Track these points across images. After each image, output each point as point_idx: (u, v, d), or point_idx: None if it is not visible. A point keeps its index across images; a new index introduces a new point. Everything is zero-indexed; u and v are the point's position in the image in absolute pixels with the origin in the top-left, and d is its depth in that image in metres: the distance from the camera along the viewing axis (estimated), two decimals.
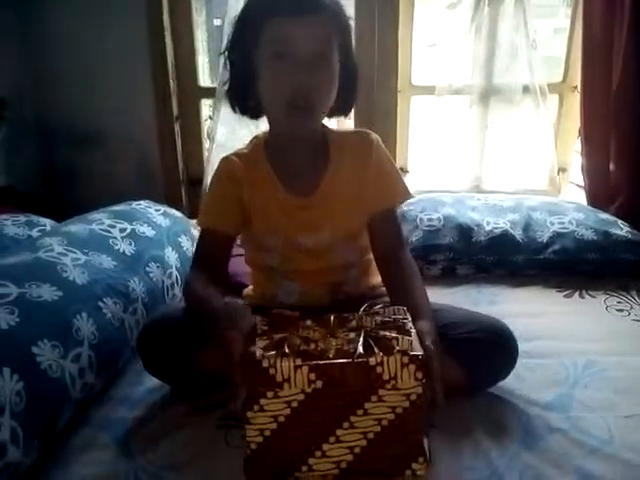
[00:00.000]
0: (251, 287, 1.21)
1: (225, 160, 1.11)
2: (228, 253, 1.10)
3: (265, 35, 0.96)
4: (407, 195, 1.12)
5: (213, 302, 0.90)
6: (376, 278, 1.17)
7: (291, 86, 0.95)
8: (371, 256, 1.14)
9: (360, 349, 0.78)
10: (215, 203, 1.10)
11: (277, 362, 0.76)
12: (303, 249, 1.08)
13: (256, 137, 1.13)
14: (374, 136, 1.11)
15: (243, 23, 1.00)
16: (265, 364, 0.76)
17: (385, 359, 0.77)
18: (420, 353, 0.77)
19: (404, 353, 0.77)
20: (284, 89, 0.96)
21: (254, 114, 1.07)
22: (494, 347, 1.01)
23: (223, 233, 1.07)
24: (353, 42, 1.04)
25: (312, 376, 0.77)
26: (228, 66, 1.03)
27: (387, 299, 1.08)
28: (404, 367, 0.77)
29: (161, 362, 1.03)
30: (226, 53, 1.03)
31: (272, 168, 1.08)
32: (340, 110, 1.06)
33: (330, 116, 1.06)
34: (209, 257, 1.07)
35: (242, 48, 0.99)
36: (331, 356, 0.78)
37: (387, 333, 0.81)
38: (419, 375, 0.77)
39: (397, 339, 0.79)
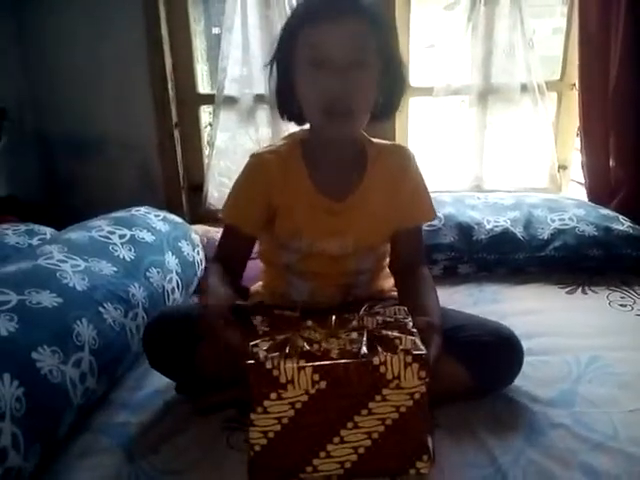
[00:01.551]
0: (260, 283, 1.20)
1: (256, 157, 1.09)
2: (248, 252, 1.10)
3: (301, 41, 0.96)
4: (434, 216, 1.15)
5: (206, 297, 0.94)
6: (387, 283, 1.18)
7: (326, 93, 0.94)
8: (386, 262, 1.15)
9: (364, 349, 0.78)
10: (241, 201, 1.09)
11: (281, 364, 0.76)
12: (325, 253, 1.07)
13: (292, 135, 1.12)
14: (412, 153, 1.12)
15: (284, 30, 1.00)
16: (269, 366, 0.76)
17: (389, 358, 0.77)
18: (423, 352, 0.77)
19: (407, 352, 0.77)
20: (319, 96, 0.95)
21: (299, 120, 1.06)
22: (500, 350, 1.00)
23: (245, 233, 1.07)
24: (397, 41, 1.02)
25: (316, 377, 0.77)
26: (274, 74, 1.03)
27: (395, 301, 1.09)
28: (408, 366, 0.77)
29: (166, 355, 1.03)
30: (272, 61, 1.02)
31: (306, 168, 1.07)
32: (382, 114, 1.04)
33: (372, 120, 1.03)
34: (229, 253, 1.09)
35: (283, 55, 1.00)
36: (334, 356, 0.78)
37: (389, 333, 0.81)
38: (422, 374, 0.77)
39: (400, 339, 0.80)
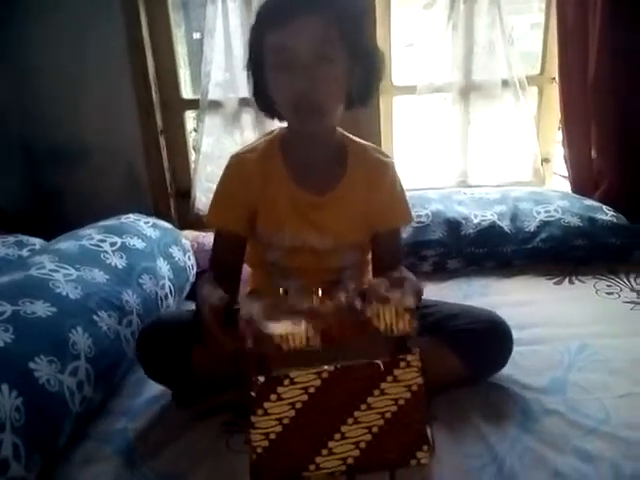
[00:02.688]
0: (248, 288, 1.22)
1: (234, 158, 1.12)
2: (240, 255, 1.12)
3: (265, 47, 0.98)
4: (411, 220, 1.20)
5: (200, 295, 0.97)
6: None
7: (293, 93, 0.96)
8: (368, 257, 1.17)
9: (357, 303, 0.79)
10: (222, 202, 1.11)
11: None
12: (306, 247, 1.09)
13: (271, 132, 1.14)
14: (392, 160, 1.14)
15: (251, 36, 1.02)
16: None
17: (381, 309, 0.78)
18: (412, 306, 0.79)
19: (398, 303, 0.79)
20: (287, 96, 0.98)
21: (280, 117, 1.08)
22: (491, 337, 1.04)
23: (231, 232, 1.09)
24: (368, 27, 1.03)
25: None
26: (248, 71, 1.05)
27: None
28: (399, 316, 0.79)
29: (160, 364, 1.04)
30: (246, 66, 1.04)
31: (285, 164, 1.09)
32: (357, 102, 1.05)
33: (349, 107, 1.04)
34: (221, 258, 1.11)
35: (253, 60, 1.02)
36: (329, 310, 0.79)
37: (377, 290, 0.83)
38: (414, 323, 0.79)
39: (388, 294, 0.81)
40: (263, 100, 1.06)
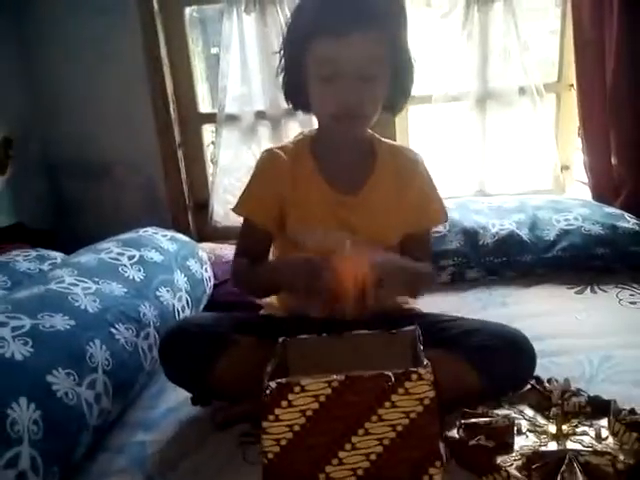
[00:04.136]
0: (274, 297, 1.21)
1: (267, 152, 1.13)
2: (266, 249, 1.13)
3: (311, 54, 0.98)
4: (445, 218, 1.17)
5: (285, 263, 1.01)
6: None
7: (337, 104, 0.98)
8: None
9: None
10: (253, 194, 1.12)
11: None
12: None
13: (302, 133, 1.16)
14: (421, 157, 1.14)
15: (292, 38, 1.02)
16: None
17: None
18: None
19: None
20: (331, 106, 0.99)
21: (305, 110, 1.09)
22: (512, 354, 1.00)
23: (259, 224, 1.10)
24: (407, 37, 1.03)
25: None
26: (282, 65, 1.05)
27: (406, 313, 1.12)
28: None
29: (183, 367, 1.04)
30: (280, 53, 1.05)
31: (317, 164, 1.09)
32: (391, 108, 1.07)
33: (382, 112, 1.06)
34: (247, 251, 1.11)
35: (292, 56, 1.02)
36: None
37: None
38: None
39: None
40: (293, 94, 1.06)
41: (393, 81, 1.01)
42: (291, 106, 1.10)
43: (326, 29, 0.94)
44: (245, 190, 1.13)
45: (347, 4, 0.94)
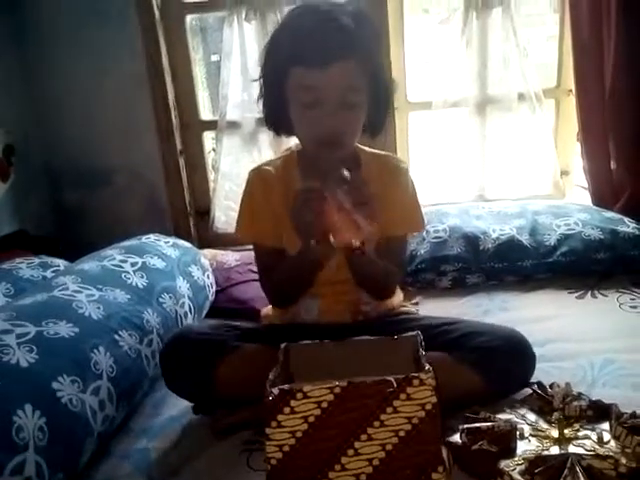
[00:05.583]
0: (270, 307, 1.22)
1: (253, 172, 1.14)
2: (285, 258, 1.12)
3: (292, 81, 0.99)
4: (421, 228, 1.20)
5: (298, 255, 1.01)
6: (395, 298, 1.19)
7: (319, 130, 0.99)
8: None
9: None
10: (250, 217, 1.13)
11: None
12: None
13: (288, 149, 1.17)
14: (405, 165, 1.16)
15: (271, 62, 1.03)
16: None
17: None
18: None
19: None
20: (311, 132, 1.01)
21: (288, 134, 1.10)
22: (512, 354, 1.02)
23: (268, 245, 1.11)
24: (383, 63, 1.06)
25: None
26: (262, 91, 1.06)
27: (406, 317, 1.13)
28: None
29: (183, 376, 1.05)
30: (260, 80, 1.06)
31: (302, 175, 1.11)
32: (371, 130, 1.08)
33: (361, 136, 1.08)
34: (269, 267, 1.12)
35: (272, 83, 1.03)
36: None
37: None
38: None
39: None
40: (274, 120, 1.08)
41: (372, 106, 1.03)
42: (272, 131, 1.11)
43: (305, 60, 0.96)
44: (242, 213, 1.14)
45: (326, 35, 0.95)
